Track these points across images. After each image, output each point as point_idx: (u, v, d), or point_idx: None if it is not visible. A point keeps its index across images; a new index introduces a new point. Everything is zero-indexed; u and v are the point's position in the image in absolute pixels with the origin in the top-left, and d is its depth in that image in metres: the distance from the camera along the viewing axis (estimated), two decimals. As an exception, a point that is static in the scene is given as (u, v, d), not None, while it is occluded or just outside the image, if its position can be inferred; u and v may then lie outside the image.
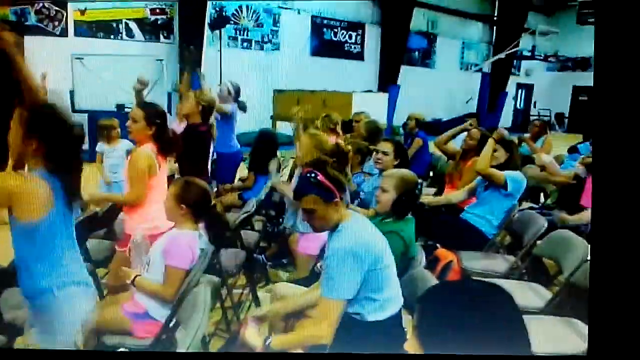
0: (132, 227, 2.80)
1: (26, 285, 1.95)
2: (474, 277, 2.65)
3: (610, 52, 1.62)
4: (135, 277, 2.35)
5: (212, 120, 3.82)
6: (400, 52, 9.53)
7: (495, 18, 13.22)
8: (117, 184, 4.07)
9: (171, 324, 2.29)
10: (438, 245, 2.79)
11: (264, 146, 4.00)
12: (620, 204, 1.62)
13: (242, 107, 4.58)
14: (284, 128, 6.52)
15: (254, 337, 2.00)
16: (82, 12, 7.17)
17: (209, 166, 3.76)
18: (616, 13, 1.61)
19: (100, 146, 4.23)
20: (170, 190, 2.42)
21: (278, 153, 4.10)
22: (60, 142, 1.91)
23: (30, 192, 1.83)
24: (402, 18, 9.54)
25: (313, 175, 2.04)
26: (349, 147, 3.09)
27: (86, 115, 6.16)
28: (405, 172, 2.57)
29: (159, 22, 7.29)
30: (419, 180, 2.51)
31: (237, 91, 4.62)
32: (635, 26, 1.60)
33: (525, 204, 3.73)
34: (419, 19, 10.14)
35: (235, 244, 3.10)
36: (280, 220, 3.63)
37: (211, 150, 3.87)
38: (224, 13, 6.83)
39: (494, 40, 13.11)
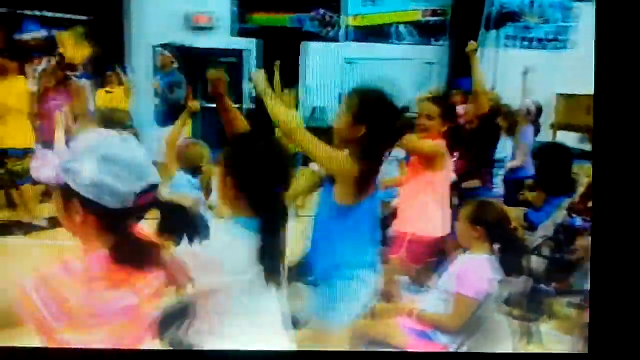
0: (406, 225, 2.95)
1: (321, 265, 2.17)
2: None
3: (612, 50, 1.72)
4: (415, 311, 2.45)
5: None
6: None
7: None
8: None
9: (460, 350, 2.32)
10: None
11: (557, 162, 3.77)
12: (621, 202, 1.70)
13: (537, 130, 4.48)
14: (567, 138, 6.07)
15: None
16: (358, 17, 7.81)
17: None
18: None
19: None
20: (463, 212, 2.48)
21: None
22: (387, 129, 2.09)
23: (355, 176, 2.05)
24: None
25: None
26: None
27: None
28: None
29: (431, 24, 7.51)
30: None
31: (538, 111, 4.53)
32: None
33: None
34: None
35: (521, 270, 3.01)
36: (572, 247, 3.42)
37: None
38: (505, 10, 6.69)
39: None
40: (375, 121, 2.07)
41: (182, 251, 1.62)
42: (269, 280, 1.71)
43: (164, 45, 6.19)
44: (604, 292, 1.73)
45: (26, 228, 5.01)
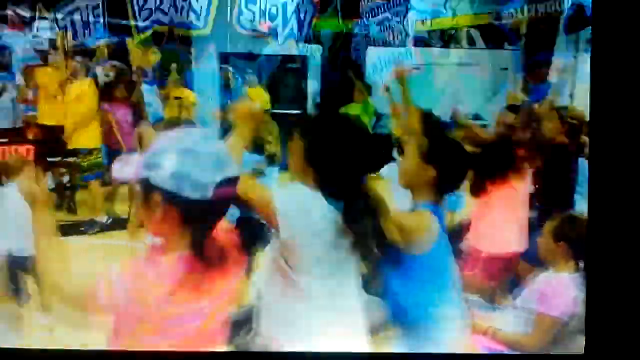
0: (481, 242, 2.86)
1: (403, 314, 2.09)
2: None
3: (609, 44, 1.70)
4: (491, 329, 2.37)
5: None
6: None
7: None
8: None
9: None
10: None
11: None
12: (617, 201, 1.71)
13: None
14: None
15: None
16: (426, 22, 7.71)
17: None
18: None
19: None
20: (548, 227, 2.39)
21: None
22: (456, 172, 2.05)
23: (424, 226, 1.97)
24: None
25: None
26: None
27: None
28: None
29: (504, 27, 7.29)
30: None
31: None
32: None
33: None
34: None
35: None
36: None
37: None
38: (585, 13, 6.41)
39: None
40: (447, 162, 1.99)
41: (275, 197, 1.62)
42: (355, 251, 1.67)
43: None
44: (601, 294, 1.75)
45: (87, 228, 5.28)
